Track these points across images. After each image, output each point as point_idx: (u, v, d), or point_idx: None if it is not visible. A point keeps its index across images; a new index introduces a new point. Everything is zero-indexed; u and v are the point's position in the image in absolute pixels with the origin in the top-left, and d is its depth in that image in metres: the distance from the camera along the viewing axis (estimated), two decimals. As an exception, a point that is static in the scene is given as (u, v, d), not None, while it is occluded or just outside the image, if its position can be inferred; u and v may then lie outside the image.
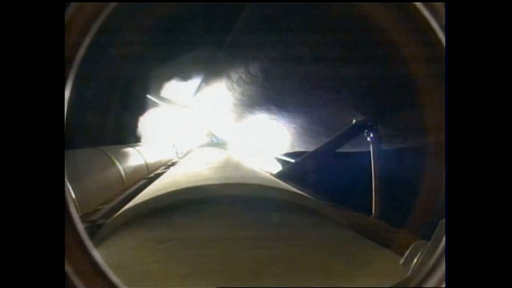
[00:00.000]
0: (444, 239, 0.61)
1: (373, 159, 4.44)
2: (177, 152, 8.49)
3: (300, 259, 0.95)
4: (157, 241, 1.07)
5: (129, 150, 5.90)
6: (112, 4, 0.55)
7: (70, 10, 0.53)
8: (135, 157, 5.76)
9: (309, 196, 1.68)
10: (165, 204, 1.43)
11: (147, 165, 5.83)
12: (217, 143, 9.26)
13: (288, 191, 1.64)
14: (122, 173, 4.72)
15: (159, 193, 1.55)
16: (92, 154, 4.63)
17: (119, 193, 3.27)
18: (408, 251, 0.72)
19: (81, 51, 0.53)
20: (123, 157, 5.22)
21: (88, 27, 0.53)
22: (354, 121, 4.68)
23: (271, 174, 4.14)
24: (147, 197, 1.57)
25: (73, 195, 3.21)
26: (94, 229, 1.71)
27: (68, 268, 0.52)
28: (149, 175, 4.46)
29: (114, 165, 4.70)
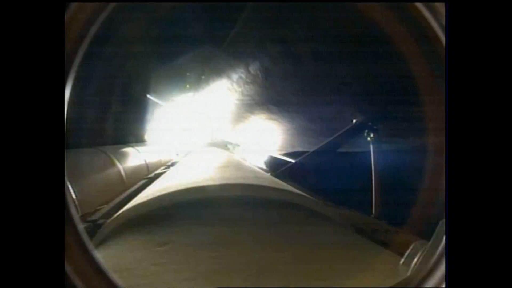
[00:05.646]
0: (444, 239, 0.61)
1: (373, 159, 4.44)
2: (177, 152, 8.48)
3: (300, 259, 0.95)
4: (157, 242, 1.07)
5: (129, 150, 5.90)
6: (112, 4, 0.55)
7: (70, 10, 0.53)
8: (135, 157, 5.76)
9: (309, 196, 1.68)
10: (165, 204, 1.43)
11: (147, 165, 5.83)
12: (217, 143, 9.26)
13: (288, 191, 1.63)
14: (122, 173, 4.72)
15: (159, 193, 1.55)
16: (92, 154, 4.63)
17: (119, 193, 3.27)
18: (408, 251, 0.71)
19: (81, 51, 0.53)
20: (123, 157, 5.22)
21: (88, 27, 0.53)
22: (354, 121, 4.68)
23: (271, 174, 4.14)
24: (147, 198, 1.56)
25: (73, 195, 3.21)
26: (94, 229, 1.71)
27: (68, 268, 0.52)
28: (149, 175, 4.46)
29: (114, 165, 4.70)
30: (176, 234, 1.12)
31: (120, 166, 4.77)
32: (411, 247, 0.72)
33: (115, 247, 1.17)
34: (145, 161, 5.91)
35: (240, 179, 1.88)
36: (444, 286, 0.59)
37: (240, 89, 6.87)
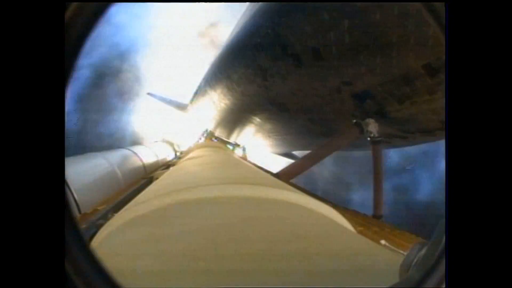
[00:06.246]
0: (444, 239, 0.61)
1: (373, 159, 4.44)
2: (176, 152, 8.48)
3: (300, 259, 0.95)
4: (157, 241, 1.07)
5: (128, 151, 5.92)
6: (113, 4, 0.55)
7: (70, 10, 0.53)
8: (134, 158, 5.77)
9: (309, 196, 1.68)
10: (164, 204, 1.43)
11: (145, 166, 5.85)
12: (217, 143, 9.26)
13: (288, 191, 1.63)
14: (120, 175, 4.74)
15: (159, 193, 1.55)
16: (92, 157, 4.67)
17: (118, 193, 3.28)
18: (408, 251, 0.71)
19: (81, 52, 0.53)
20: (122, 158, 5.24)
21: (88, 27, 0.53)
22: (354, 121, 4.68)
23: (271, 174, 4.14)
24: (146, 198, 1.57)
25: (75, 196, 3.23)
26: (94, 229, 1.71)
27: (68, 268, 0.52)
28: (148, 175, 4.47)
29: (113, 166, 4.72)
30: (176, 233, 1.12)
31: (118, 168, 4.79)
32: (411, 247, 0.72)
33: (115, 246, 1.17)
34: (144, 162, 5.93)
35: (239, 179, 1.88)
36: (444, 286, 0.59)
37: (240, 89, 6.87)
